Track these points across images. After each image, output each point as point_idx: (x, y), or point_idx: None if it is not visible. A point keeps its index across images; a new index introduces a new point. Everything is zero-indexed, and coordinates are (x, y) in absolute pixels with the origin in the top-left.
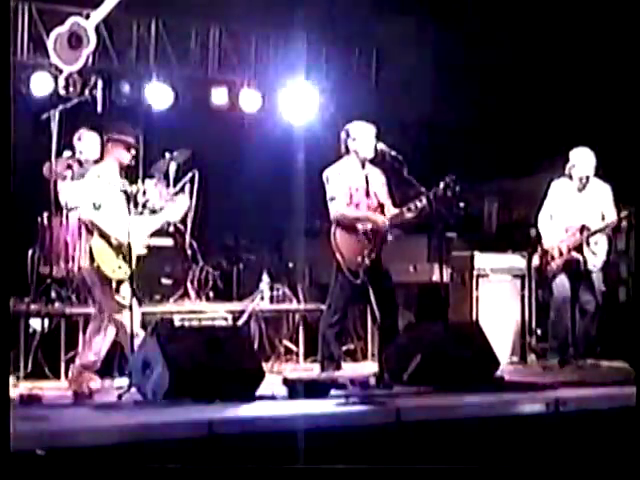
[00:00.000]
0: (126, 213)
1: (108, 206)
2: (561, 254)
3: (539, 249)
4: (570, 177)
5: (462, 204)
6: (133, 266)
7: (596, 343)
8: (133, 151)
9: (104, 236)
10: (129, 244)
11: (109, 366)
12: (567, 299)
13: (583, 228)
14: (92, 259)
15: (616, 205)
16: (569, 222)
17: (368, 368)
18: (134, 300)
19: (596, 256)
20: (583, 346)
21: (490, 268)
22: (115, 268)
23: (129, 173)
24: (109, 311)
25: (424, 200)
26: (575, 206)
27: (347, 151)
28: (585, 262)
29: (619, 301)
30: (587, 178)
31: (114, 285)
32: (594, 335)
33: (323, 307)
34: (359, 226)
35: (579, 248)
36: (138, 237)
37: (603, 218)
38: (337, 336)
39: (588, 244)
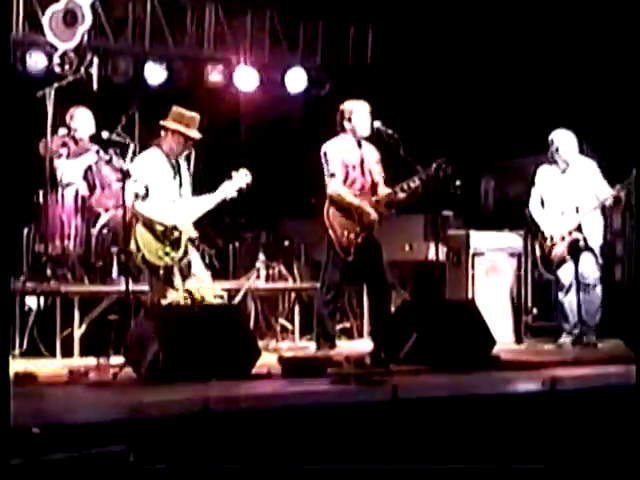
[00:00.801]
0: (176, 198)
1: (156, 193)
2: (563, 238)
3: (539, 236)
4: (554, 161)
5: (458, 182)
6: (180, 251)
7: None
8: (191, 146)
9: (149, 224)
10: (176, 229)
11: (104, 345)
12: (574, 280)
13: (579, 207)
14: (138, 248)
15: (608, 179)
16: (563, 205)
17: (364, 346)
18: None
19: (595, 234)
20: (590, 323)
21: (486, 247)
22: (162, 255)
23: (125, 152)
24: (157, 295)
25: (417, 181)
26: (565, 188)
27: (343, 129)
28: (587, 239)
29: (615, 280)
30: (571, 158)
31: (161, 271)
32: (600, 311)
33: (318, 285)
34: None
35: (579, 228)
36: (189, 220)
37: (596, 196)
38: (332, 314)
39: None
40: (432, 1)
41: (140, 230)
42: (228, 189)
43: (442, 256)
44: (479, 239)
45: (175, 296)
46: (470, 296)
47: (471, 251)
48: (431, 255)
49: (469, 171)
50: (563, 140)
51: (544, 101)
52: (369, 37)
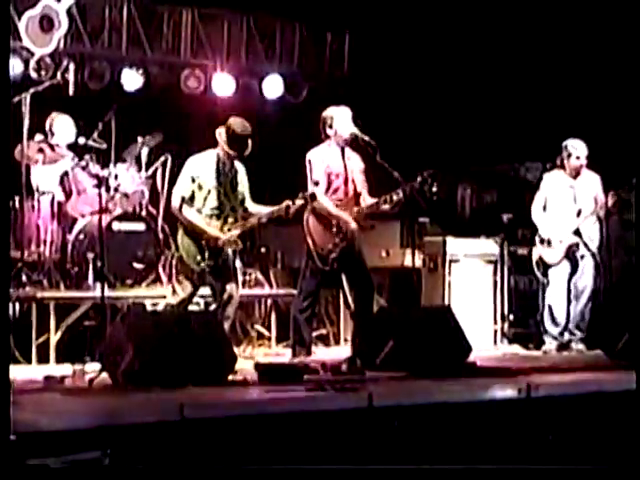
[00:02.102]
0: (223, 204)
1: (200, 197)
2: (561, 241)
3: (537, 240)
4: (563, 167)
5: (435, 189)
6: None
7: (590, 327)
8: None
9: (191, 229)
10: (218, 239)
11: (80, 351)
12: (566, 284)
13: (580, 212)
14: (177, 248)
15: (605, 192)
16: (565, 209)
17: (340, 353)
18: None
19: (592, 241)
20: (580, 330)
21: (463, 253)
22: (200, 259)
23: (101, 157)
24: (182, 297)
25: (400, 194)
26: (570, 194)
27: (327, 136)
28: (586, 245)
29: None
30: (581, 167)
31: (195, 276)
32: (589, 318)
33: (295, 292)
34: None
35: (577, 232)
36: (236, 231)
37: (596, 204)
38: (308, 321)
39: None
40: (409, 7)
41: (182, 233)
42: (288, 208)
43: (418, 263)
44: (455, 246)
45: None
46: (446, 303)
47: (447, 258)
48: (407, 262)
49: (446, 178)
50: (577, 149)
51: (522, 109)
52: (346, 43)
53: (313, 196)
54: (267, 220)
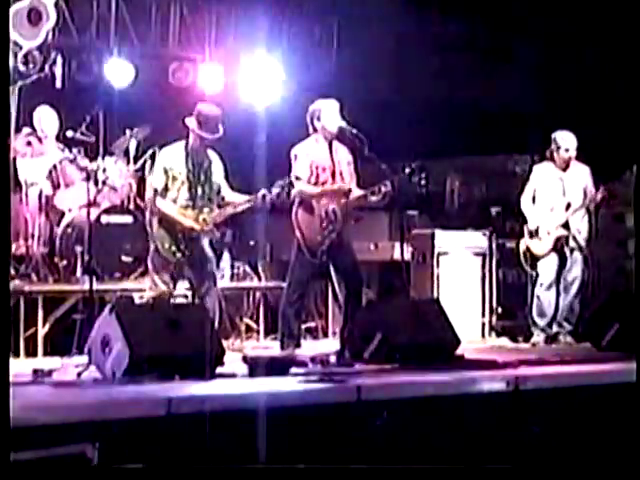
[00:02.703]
0: (199, 196)
1: (174, 188)
2: (549, 233)
3: (525, 231)
4: (552, 160)
5: (423, 182)
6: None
7: (579, 319)
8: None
9: (166, 221)
10: (193, 229)
11: (68, 344)
12: (555, 277)
13: (569, 205)
14: (152, 240)
15: (595, 185)
16: (554, 201)
17: (329, 346)
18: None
19: (581, 233)
20: (568, 322)
21: (451, 246)
22: (175, 250)
23: (89, 150)
24: (159, 289)
25: (389, 185)
26: (559, 186)
27: (314, 130)
28: (574, 238)
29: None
30: (570, 159)
31: (171, 267)
32: (578, 311)
33: (283, 285)
34: (320, 207)
35: (566, 225)
36: (212, 220)
37: (585, 197)
38: (297, 314)
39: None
40: None
41: (156, 224)
42: (265, 196)
43: (407, 255)
44: (444, 239)
45: (163, 291)
46: (435, 295)
47: (436, 250)
48: (396, 254)
49: (435, 170)
50: (566, 141)
51: (512, 101)
52: (334, 34)
53: (290, 184)
54: (243, 209)
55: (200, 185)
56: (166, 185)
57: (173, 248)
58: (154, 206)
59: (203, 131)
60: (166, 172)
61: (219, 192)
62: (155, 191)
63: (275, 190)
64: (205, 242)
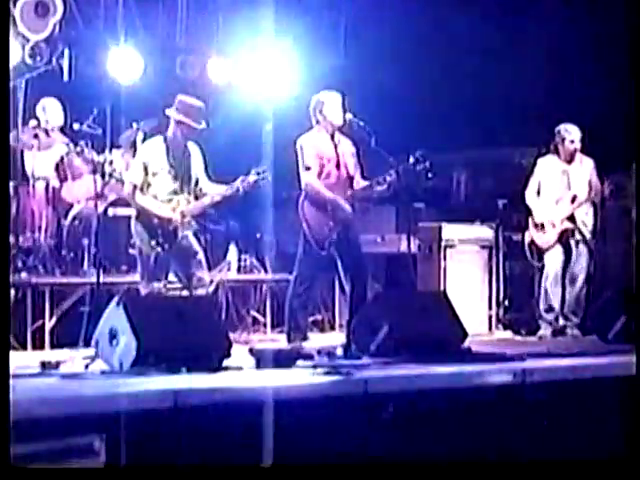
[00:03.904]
0: (178, 188)
1: (156, 184)
2: (554, 226)
3: (530, 224)
4: (557, 152)
5: (430, 174)
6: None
7: (585, 312)
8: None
9: (145, 215)
10: (171, 221)
11: (75, 336)
12: (561, 270)
13: (574, 198)
14: (131, 236)
15: (600, 178)
16: (559, 194)
17: (335, 339)
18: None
19: (587, 226)
20: (575, 315)
21: (458, 239)
22: (154, 245)
23: (96, 143)
24: (146, 284)
25: (393, 174)
26: (564, 179)
27: (317, 122)
28: (580, 231)
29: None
30: (575, 151)
31: (152, 261)
32: (585, 304)
33: (290, 278)
34: (327, 199)
35: (571, 218)
36: (190, 212)
37: (591, 190)
38: (303, 306)
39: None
40: None
41: (137, 219)
42: (242, 184)
43: (414, 248)
44: (451, 231)
45: (158, 287)
46: (442, 288)
47: (443, 243)
48: (403, 247)
49: (441, 163)
50: (569, 133)
51: (518, 94)
52: (341, 27)
53: (264, 171)
54: (222, 198)
55: (180, 178)
56: (146, 180)
57: (153, 243)
58: (133, 202)
59: (190, 120)
60: (146, 168)
61: (197, 184)
62: (134, 187)
63: (252, 178)
64: (187, 235)
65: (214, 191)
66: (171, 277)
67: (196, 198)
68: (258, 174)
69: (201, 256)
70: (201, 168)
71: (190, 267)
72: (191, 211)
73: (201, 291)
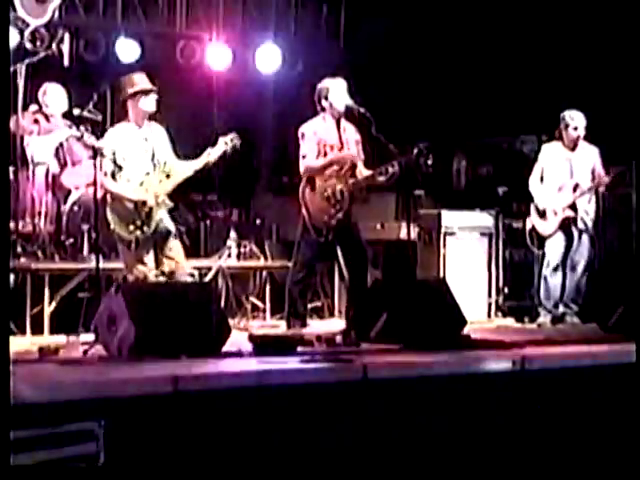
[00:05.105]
0: (149, 169)
1: (126, 168)
2: (556, 213)
3: (532, 210)
4: (561, 139)
5: (430, 161)
6: (152, 225)
7: (585, 300)
8: (154, 95)
9: (119, 200)
10: (145, 204)
11: (74, 322)
12: (561, 258)
13: (577, 186)
14: (109, 223)
15: (605, 166)
16: (562, 182)
17: (335, 325)
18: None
19: (588, 215)
20: (575, 303)
21: (458, 226)
22: (132, 229)
23: (96, 129)
24: (128, 269)
25: (396, 166)
26: (567, 167)
27: (322, 109)
28: (582, 219)
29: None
30: (578, 138)
31: (133, 245)
32: (584, 292)
33: (290, 264)
34: (327, 186)
35: (573, 206)
36: (163, 190)
37: (593, 178)
38: (303, 293)
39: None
40: None
41: (111, 206)
42: (211, 154)
43: (413, 235)
44: (450, 218)
45: (144, 271)
46: (441, 275)
47: (442, 230)
48: (402, 234)
49: (441, 150)
50: (575, 120)
51: (519, 81)
52: (342, 14)
53: (232, 139)
54: (194, 173)
55: (149, 160)
56: (118, 166)
57: (131, 227)
58: (106, 189)
59: (140, 105)
60: (114, 154)
61: (166, 163)
62: (105, 174)
63: (219, 148)
64: (162, 215)
65: (182, 168)
66: (148, 259)
67: (167, 177)
68: (226, 143)
69: (176, 236)
70: (168, 147)
71: (168, 248)
72: (164, 189)
73: (181, 274)
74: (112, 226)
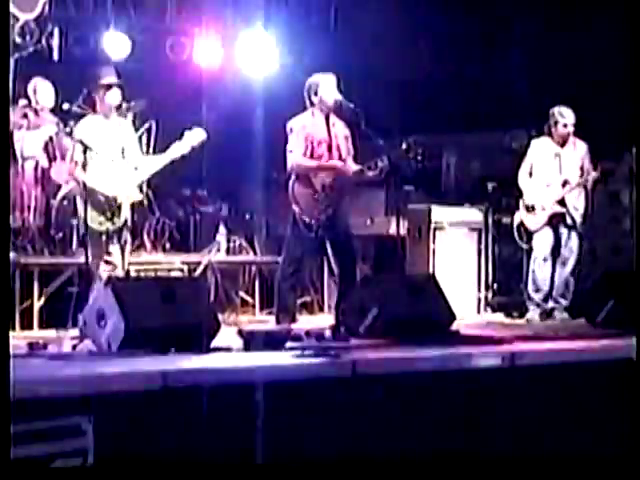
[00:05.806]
0: (118, 161)
1: (95, 160)
2: (544, 209)
3: (521, 205)
4: (550, 135)
5: (420, 156)
6: (122, 218)
7: (574, 295)
8: (117, 90)
9: (90, 192)
10: (115, 198)
11: (64, 317)
12: (550, 253)
13: (565, 182)
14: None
15: (593, 162)
16: (550, 178)
17: (324, 320)
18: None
19: (577, 210)
20: (564, 298)
21: (447, 221)
22: (102, 221)
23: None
24: (96, 262)
25: (385, 160)
26: (556, 162)
27: (312, 104)
28: (570, 215)
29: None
30: (568, 135)
31: (103, 237)
32: (573, 288)
33: (279, 259)
34: (317, 180)
35: (562, 202)
36: (133, 183)
37: (582, 174)
38: (292, 288)
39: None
40: None
41: (80, 199)
42: (177, 149)
43: (403, 230)
44: (440, 214)
45: (112, 262)
46: (430, 270)
47: (432, 225)
48: (392, 229)
49: (431, 145)
50: (562, 116)
51: (510, 77)
52: (332, 8)
53: (200, 134)
54: (162, 167)
55: (117, 153)
56: (86, 158)
57: (101, 219)
58: (78, 181)
59: (106, 98)
60: (84, 145)
61: (133, 156)
62: (75, 163)
63: (185, 142)
64: (129, 207)
65: (148, 163)
66: (115, 251)
67: (135, 169)
68: (190, 139)
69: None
70: (134, 142)
71: (140, 240)
72: (133, 183)
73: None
74: (83, 218)
